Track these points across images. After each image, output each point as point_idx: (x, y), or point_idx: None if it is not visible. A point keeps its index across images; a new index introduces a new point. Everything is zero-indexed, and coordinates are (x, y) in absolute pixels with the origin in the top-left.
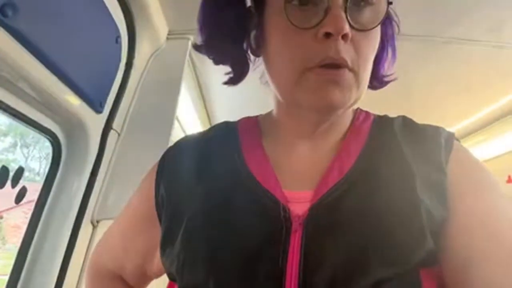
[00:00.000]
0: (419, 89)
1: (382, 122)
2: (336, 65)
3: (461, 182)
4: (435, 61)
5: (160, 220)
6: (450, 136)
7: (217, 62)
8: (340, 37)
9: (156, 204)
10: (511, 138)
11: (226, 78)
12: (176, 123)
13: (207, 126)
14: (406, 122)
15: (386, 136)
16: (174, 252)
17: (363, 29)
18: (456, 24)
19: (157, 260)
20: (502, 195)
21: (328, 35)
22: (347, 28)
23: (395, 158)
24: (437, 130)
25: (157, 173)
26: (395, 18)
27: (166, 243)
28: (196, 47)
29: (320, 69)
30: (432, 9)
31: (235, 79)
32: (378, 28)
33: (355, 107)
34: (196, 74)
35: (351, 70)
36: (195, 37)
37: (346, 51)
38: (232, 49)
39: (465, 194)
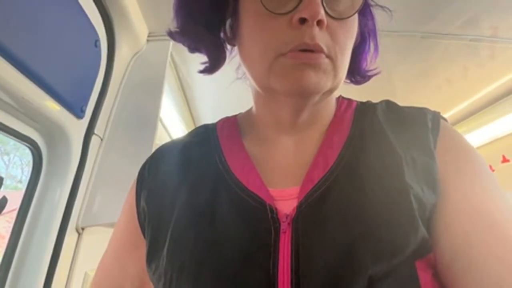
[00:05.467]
0: (400, 84)
1: (365, 108)
2: (311, 51)
3: (452, 166)
4: (415, 56)
5: (144, 235)
6: (437, 117)
7: (192, 49)
8: (315, 23)
9: (138, 219)
10: (491, 129)
11: (203, 67)
12: (159, 125)
13: (191, 127)
14: (389, 106)
15: (370, 123)
16: (160, 267)
17: (339, 17)
18: (432, 19)
19: None
20: (493, 182)
21: (302, 20)
22: (322, 14)
23: (380, 145)
24: (422, 111)
25: (137, 185)
26: (374, 9)
27: (151, 257)
28: (170, 34)
29: (293, 53)
30: (407, 4)
31: (211, 68)
32: (355, 18)
33: (337, 94)
34: (178, 75)
35: (327, 56)
36: None
37: (321, 38)
38: (207, 38)
39: (457, 179)
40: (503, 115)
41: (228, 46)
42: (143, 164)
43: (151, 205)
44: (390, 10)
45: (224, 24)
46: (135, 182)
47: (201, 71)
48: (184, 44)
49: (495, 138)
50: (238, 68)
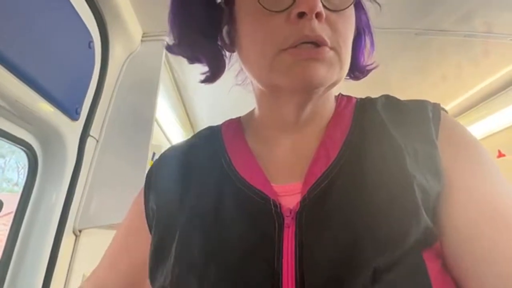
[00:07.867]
0: (395, 81)
1: (365, 103)
2: (314, 44)
3: (454, 156)
4: (409, 52)
5: (150, 232)
6: (437, 108)
7: (191, 60)
8: (314, 17)
9: (147, 217)
10: (487, 124)
11: (203, 77)
12: (155, 126)
13: (187, 127)
14: (389, 100)
15: (370, 117)
16: (168, 266)
17: (337, 9)
18: (426, 15)
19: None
20: (496, 171)
21: (301, 14)
22: (320, 6)
23: (382, 137)
24: (422, 103)
25: (145, 188)
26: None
27: (158, 257)
28: (168, 47)
29: (295, 49)
30: (401, 1)
31: (211, 77)
32: (353, 10)
33: (336, 92)
34: (173, 75)
35: (331, 48)
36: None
37: (322, 30)
38: (205, 46)
39: (459, 169)
40: (498, 109)
41: (227, 54)
42: (150, 168)
43: (160, 207)
44: (379, 5)
45: (221, 32)
46: (144, 186)
47: (202, 81)
48: (183, 56)
49: (490, 133)
50: (237, 75)
